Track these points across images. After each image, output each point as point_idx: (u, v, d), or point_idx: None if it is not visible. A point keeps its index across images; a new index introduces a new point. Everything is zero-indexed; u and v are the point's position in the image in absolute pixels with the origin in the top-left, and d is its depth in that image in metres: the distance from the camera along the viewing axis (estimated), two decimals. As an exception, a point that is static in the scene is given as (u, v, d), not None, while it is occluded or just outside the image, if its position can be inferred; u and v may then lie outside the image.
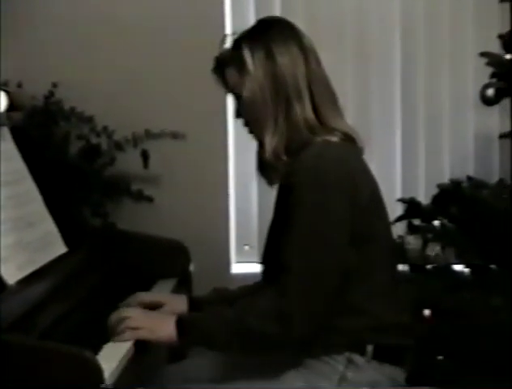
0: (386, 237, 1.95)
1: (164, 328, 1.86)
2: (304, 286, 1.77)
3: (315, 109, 1.90)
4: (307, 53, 1.93)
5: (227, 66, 1.96)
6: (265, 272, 2.03)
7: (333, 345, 1.85)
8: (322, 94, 1.92)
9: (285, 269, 1.78)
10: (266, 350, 1.86)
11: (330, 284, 1.80)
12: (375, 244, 1.87)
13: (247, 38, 1.94)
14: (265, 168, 1.98)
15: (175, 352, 2.22)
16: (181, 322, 1.85)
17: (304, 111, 1.88)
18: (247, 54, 1.89)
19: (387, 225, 1.98)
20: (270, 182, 2.02)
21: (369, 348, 1.85)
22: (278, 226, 1.94)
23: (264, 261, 2.03)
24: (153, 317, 1.95)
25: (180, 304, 2.12)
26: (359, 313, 1.85)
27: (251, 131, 1.98)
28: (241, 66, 1.90)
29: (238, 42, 1.94)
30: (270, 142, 1.88)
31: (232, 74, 1.95)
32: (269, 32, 1.93)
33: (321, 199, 1.78)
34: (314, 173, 1.79)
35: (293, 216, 1.80)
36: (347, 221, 1.80)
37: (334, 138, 1.88)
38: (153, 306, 2.08)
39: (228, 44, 1.98)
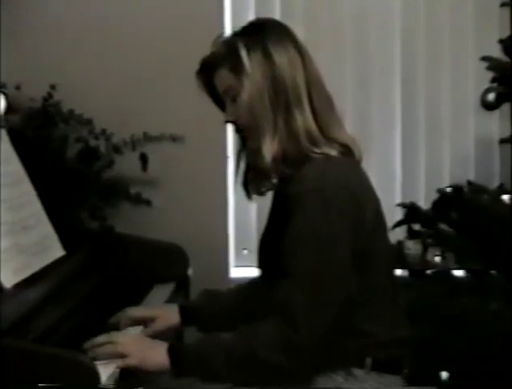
0: (385, 254, 1.91)
1: (154, 357, 1.78)
2: (311, 315, 1.71)
3: (315, 117, 1.83)
4: (303, 53, 1.87)
5: (218, 67, 1.87)
6: (263, 277, 2.01)
7: (333, 364, 1.83)
8: (321, 99, 1.86)
9: (290, 296, 1.72)
10: (271, 381, 1.78)
11: (335, 311, 1.75)
12: (376, 264, 1.84)
13: (241, 37, 1.85)
14: (251, 178, 1.94)
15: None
16: (175, 351, 1.77)
17: (305, 120, 1.81)
18: (243, 53, 1.81)
19: (386, 241, 1.94)
20: (259, 193, 1.97)
21: (368, 361, 1.83)
22: (275, 236, 1.88)
23: (261, 266, 2.00)
24: (143, 344, 1.85)
25: (172, 316, 2.09)
26: (360, 334, 1.82)
27: (246, 137, 1.90)
28: (237, 65, 1.82)
29: (231, 41, 1.86)
30: (269, 147, 1.80)
31: (224, 75, 1.86)
32: (264, 32, 1.85)
33: (326, 226, 1.72)
34: (318, 198, 1.73)
35: (297, 241, 1.74)
36: (349, 247, 1.75)
37: (334, 152, 1.82)
38: (145, 321, 2.04)
39: (218, 45, 1.90)
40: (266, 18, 2.05)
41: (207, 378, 1.78)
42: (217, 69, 1.88)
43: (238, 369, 1.73)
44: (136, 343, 1.85)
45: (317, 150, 1.81)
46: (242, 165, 1.97)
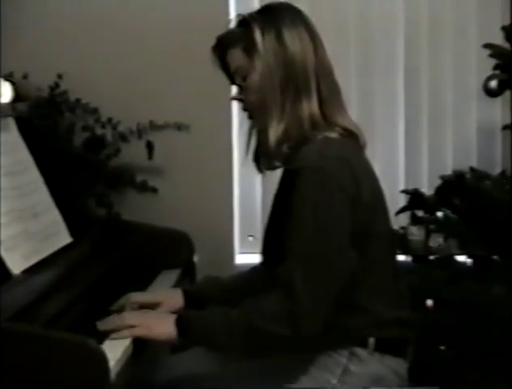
0: (386, 235, 1.94)
1: (162, 326, 1.83)
2: (310, 287, 1.74)
3: (320, 104, 1.87)
4: (315, 39, 1.90)
5: (232, 46, 1.91)
6: (265, 261, 2.04)
7: (336, 342, 1.85)
8: (328, 88, 1.90)
9: (290, 270, 1.76)
10: (271, 352, 1.85)
11: (335, 284, 1.78)
12: (375, 243, 1.86)
13: (256, 18, 1.89)
14: (260, 155, 1.98)
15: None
16: (182, 321, 1.82)
17: (311, 107, 1.86)
18: (257, 33, 1.85)
19: (387, 222, 1.97)
20: (261, 169, 2.02)
21: (371, 340, 1.85)
22: (279, 217, 1.93)
23: (264, 250, 2.03)
24: (150, 315, 1.92)
25: (176, 300, 2.10)
26: (361, 311, 1.84)
27: (252, 117, 1.95)
28: (250, 45, 1.86)
29: (246, 21, 1.90)
30: (275, 130, 1.85)
31: (237, 55, 1.91)
32: (279, 15, 1.89)
33: (325, 201, 1.76)
34: (319, 175, 1.76)
35: (297, 217, 1.78)
36: (349, 221, 1.79)
37: (334, 135, 1.86)
38: (149, 306, 2.05)
39: (233, 24, 1.94)
40: (281, 2, 2.05)
41: (212, 349, 1.85)
42: (231, 47, 1.92)
43: (241, 340, 1.78)
44: (143, 315, 1.91)
45: (317, 133, 1.85)
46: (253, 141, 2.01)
